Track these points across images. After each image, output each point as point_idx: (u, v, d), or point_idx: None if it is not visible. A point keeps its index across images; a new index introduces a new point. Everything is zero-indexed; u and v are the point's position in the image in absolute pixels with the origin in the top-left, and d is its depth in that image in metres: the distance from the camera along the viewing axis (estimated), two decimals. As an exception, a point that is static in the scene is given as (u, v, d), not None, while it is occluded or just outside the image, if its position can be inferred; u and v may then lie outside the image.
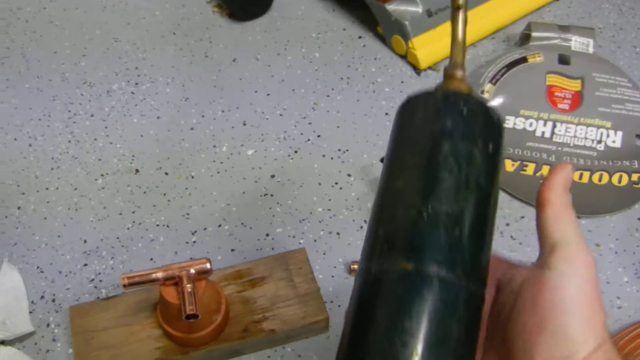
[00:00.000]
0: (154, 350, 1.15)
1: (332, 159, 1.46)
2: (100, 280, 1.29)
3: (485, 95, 1.52)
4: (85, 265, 1.31)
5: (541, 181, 0.68)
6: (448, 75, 0.64)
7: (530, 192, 1.40)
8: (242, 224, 1.37)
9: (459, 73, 0.64)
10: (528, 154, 1.44)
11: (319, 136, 1.50)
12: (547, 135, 1.47)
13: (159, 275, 1.08)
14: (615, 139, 1.47)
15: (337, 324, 1.25)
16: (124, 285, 1.07)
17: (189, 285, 1.06)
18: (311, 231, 1.36)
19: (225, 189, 1.42)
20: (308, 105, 1.56)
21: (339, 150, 1.48)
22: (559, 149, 1.45)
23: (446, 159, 0.57)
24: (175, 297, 1.08)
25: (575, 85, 1.54)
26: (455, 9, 0.65)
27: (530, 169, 1.42)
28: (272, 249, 1.33)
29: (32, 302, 1.26)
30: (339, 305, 1.27)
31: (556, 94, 1.53)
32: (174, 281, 1.09)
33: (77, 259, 1.32)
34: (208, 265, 1.09)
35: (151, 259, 1.32)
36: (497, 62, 1.58)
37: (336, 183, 1.43)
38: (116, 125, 1.53)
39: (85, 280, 1.29)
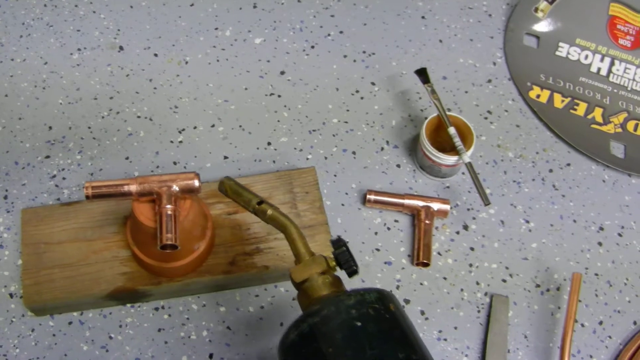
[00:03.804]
0: (119, 275, 0.95)
1: (354, 61, 1.23)
2: (64, 178, 1.08)
3: (540, 15, 1.29)
4: (48, 157, 1.09)
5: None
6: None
7: (579, 136, 1.19)
8: (240, 126, 1.15)
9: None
10: (580, 91, 1.23)
11: (341, 32, 1.26)
12: (604, 72, 1.26)
13: (132, 188, 0.86)
14: (679, 92, 1.26)
15: (343, 264, 1.04)
16: (87, 197, 0.85)
17: (169, 207, 0.84)
18: (322, 145, 1.14)
19: (224, 82, 1.19)
20: (332, -7, 1.31)
21: (364, 52, 1.24)
22: (615, 90, 1.24)
23: None
24: (151, 219, 0.87)
25: (642, 21, 1.32)
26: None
27: (581, 109, 1.22)
28: (274, 161, 1.12)
29: (-21, 195, 1.06)
30: (347, 242, 1.05)
31: (618, 26, 1.31)
32: (151, 198, 0.87)
33: (38, 149, 1.10)
34: (196, 183, 0.87)
35: (127, 158, 1.11)
36: (557, -23, 1.34)
37: (357, 91, 1.20)
38: (102, -9, 1.28)
39: (46, 175, 1.08)
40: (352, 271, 0.78)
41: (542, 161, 1.17)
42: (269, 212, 0.83)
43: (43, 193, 1.06)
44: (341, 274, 0.81)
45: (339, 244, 0.79)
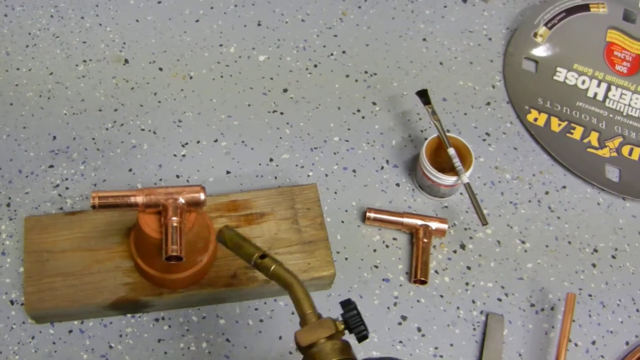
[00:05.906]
0: (121, 285, 0.96)
1: (356, 81, 1.25)
2: (67, 188, 1.09)
3: (539, 40, 1.31)
4: (51, 167, 1.10)
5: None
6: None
7: (574, 160, 1.21)
8: (243, 142, 1.16)
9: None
10: (577, 115, 1.25)
11: (344, 52, 1.28)
12: (600, 97, 1.28)
13: (139, 199, 0.87)
14: (674, 118, 1.29)
15: (342, 280, 1.05)
16: (93, 207, 0.86)
17: (175, 219, 0.85)
18: (323, 163, 1.15)
19: (228, 98, 1.21)
20: (335, 15, 1.33)
21: (366, 72, 1.26)
22: (611, 115, 1.26)
23: None
24: (156, 230, 0.88)
25: (638, 48, 1.33)
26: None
27: (577, 132, 1.23)
28: (275, 177, 1.13)
29: (-17, 202, 1.07)
30: (346, 258, 1.07)
31: (615, 53, 1.33)
32: (157, 210, 0.88)
33: (42, 158, 1.11)
34: (202, 196, 0.88)
35: (130, 170, 1.12)
36: (556, 3, 1.36)
37: (358, 110, 1.21)
38: (109, 5, 1.29)
39: (49, 185, 1.09)
40: (362, 336, 0.72)
41: (539, 183, 1.18)
42: (273, 267, 0.78)
43: (46, 202, 1.07)
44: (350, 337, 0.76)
45: (349, 307, 0.73)
